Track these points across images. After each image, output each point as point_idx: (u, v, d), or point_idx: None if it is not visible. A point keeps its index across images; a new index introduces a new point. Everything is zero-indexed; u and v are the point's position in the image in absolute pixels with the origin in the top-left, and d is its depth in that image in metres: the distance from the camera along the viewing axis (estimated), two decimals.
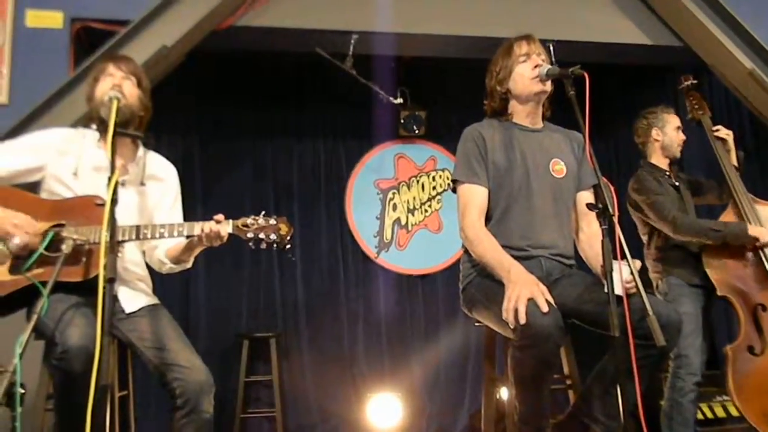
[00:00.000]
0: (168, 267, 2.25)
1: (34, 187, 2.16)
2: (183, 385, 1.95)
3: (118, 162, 1.89)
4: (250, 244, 2.07)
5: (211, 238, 2.02)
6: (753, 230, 2.81)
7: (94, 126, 2.19)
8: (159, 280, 2.38)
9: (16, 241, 1.92)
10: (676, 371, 2.89)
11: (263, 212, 2.11)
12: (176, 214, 2.30)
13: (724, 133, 3.10)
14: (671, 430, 2.88)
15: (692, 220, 2.91)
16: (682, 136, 3.15)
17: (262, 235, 2.06)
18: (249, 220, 2.07)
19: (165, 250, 2.22)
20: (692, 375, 2.86)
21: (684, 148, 3.18)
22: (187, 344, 2.06)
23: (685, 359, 2.86)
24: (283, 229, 2.09)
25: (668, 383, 2.93)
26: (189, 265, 2.26)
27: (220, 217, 2.04)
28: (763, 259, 2.83)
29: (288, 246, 2.10)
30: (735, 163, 3.08)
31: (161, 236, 2.02)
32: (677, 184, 3.10)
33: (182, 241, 2.15)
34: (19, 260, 1.94)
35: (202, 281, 4.55)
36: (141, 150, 2.27)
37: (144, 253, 2.30)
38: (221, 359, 4.40)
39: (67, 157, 2.12)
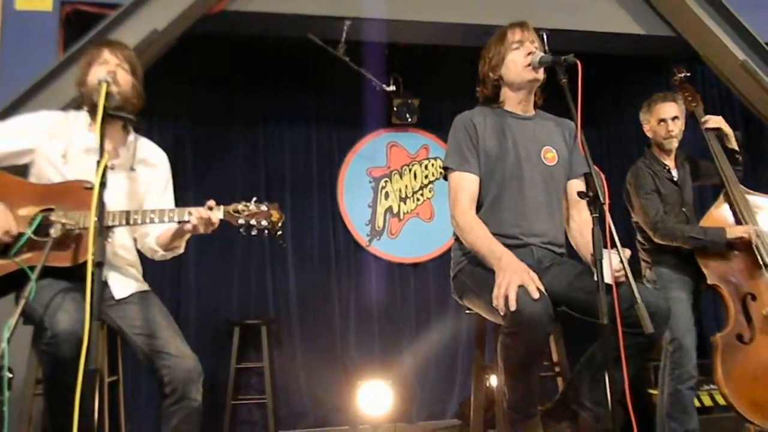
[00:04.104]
0: (160, 254, 2.25)
1: (23, 169, 2.13)
2: (171, 373, 1.95)
3: (108, 146, 1.87)
4: (241, 230, 2.06)
5: (202, 225, 2.01)
6: (731, 233, 2.85)
7: (85, 109, 2.17)
8: (150, 267, 2.37)
9: None
10: (674, 358, 2.90)
11: (254, 198, 2.10)
12: (167, 200, 2.29)
13: (714, 122, 3.06)
14: (671, 418, 2.89)
15: (673, 227, 2.93)
16: (671, 127, 3.05)
17: (253, 222, 2.06)
18: (240, 206, 2.06)
19: (156, 237, 2.21)
20: (690, 360, 2.88)
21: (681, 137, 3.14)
22: (176, 332, 2.06)
23: (682, 345, 2.88)
24: (275, 215, 2.08)
25: (666, 371, 2.93)
26: (181, 250, 2.26)
27: (211, 203, 2.03)
28: (754, 248, 2.85)
29: (279, 233, 2.09)
30: (735, 146, 3.06)
31: (151, 221, 2.01)
32: (676, 178, 3.08)
33: (172, 228, 2.14)
34: (8, 245, 1.93)
35: (194, 268, 4.53)
36: (132, 135, 2.26)
37: (135, 240, 2.29)
38: (212, 346, 4.39)
39: (56, 140, 2.11)
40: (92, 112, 2.14)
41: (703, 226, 2.93)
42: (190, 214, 2.01)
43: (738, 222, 2.92)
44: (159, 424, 2.00)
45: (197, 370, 1.99)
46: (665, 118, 3.07)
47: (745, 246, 2.86)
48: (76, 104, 2.26)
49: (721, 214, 2.98)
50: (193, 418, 1.99)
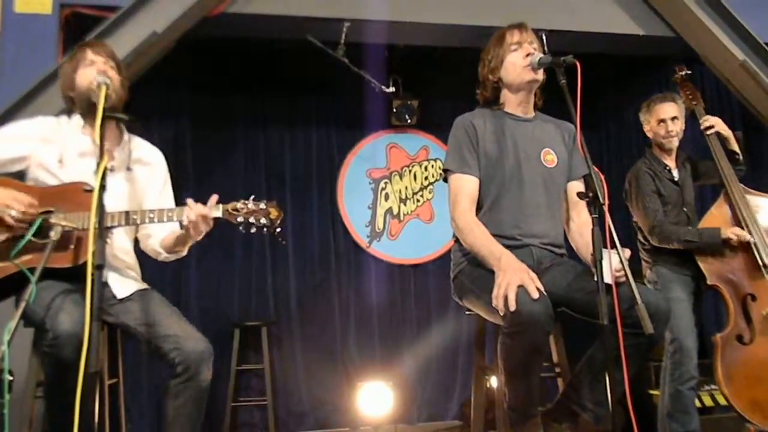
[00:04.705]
0: (164, 256, 2.25)
1: (19, 176, 2.13)
2: (182, 353, 1.95)
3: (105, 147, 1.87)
4: (240, 228, 2.06)
5: (199, 222, 2.00)
6: (725, 233, 2.85)
7: (76, 113, 2.17)
8: (150, 269, 2.37)
9: (13, 213, 1.89)
10: (675, 359, 2.90)
11: (252, 196, 2.10)
12: (166, 198, 2.29)
13: (711, 123, 3.05)
14: (672, 418, 2.89)
15: (669, 230, 2.94)
16: (671, 127, 3.05)
17: (252, 220, 2.06)
18: (239, 205, 2.06)
19: (159, 240, 2.22)
20: (691, 361, 2.88)
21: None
22: (181, 318, 2.07)
23: (683, 346, 2.87)
24: (273, 213, 2.08)
25: (667, 371, 2.93)
26: (184, 253, 2.26)
27: (214, 197, 2.02)
28: (754, 249, 2.85)
29: (278, 230, 2.09)
30: (735, 147, 3.06)
31: (150, 221, 2.02)
32: (677, 178, 3.08)
33: (176, 231, 2.15)
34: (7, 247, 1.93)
35: (194, 270, 4.53)
36: (126, 135, 2.26)
37: (135, 241, 2.29)
38: (213, 348, 4.37)
39: (51, 145, 2.10)
40: (86, 115, 2.13)
41: (699, 228, 2.93)
42: (189, 209, 2.00)
43: (737, 221, 2.92)
44: (161, 408, 1.98)
45: (208, 349, 2.00)
46: (664, 118, 3.07)
47: (744, 246, 2.86)
48: (67, 111, 2.24)
49: (721, 213, 2.97)
50: (201, 399, 1.98)
